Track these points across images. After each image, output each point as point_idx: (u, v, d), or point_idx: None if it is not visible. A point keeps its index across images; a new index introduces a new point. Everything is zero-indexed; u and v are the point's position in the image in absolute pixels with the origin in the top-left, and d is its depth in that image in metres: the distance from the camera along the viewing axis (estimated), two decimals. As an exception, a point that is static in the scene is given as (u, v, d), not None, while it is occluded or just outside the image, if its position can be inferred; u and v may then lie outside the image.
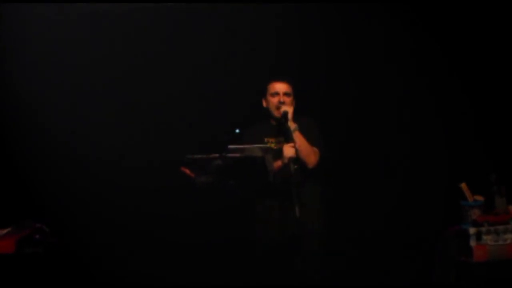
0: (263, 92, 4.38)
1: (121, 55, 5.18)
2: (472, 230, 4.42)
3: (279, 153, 4.11)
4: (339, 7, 5.12)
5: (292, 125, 4.13)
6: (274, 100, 4.29)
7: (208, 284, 4.97)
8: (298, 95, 4.34)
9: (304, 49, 5.18)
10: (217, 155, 3.90)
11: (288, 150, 4.05)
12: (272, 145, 4.22)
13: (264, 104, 4.38)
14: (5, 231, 4.14)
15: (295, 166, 3.95)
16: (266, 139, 4.30)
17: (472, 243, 4.40)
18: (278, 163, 4.11)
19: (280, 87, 4.31)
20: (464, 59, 5.11)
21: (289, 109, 4.18)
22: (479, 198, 4.62)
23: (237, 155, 3.93)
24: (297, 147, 4.05)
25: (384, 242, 5.07)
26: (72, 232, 4.95)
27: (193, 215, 5.09)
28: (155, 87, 5.22)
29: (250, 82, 4.90)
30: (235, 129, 4.48)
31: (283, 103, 4.24)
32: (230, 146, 3.94)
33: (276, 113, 4.26)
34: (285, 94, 4.29)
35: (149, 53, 5.22)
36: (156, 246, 5.12)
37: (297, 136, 4.13)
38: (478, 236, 4.41)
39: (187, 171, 3.98)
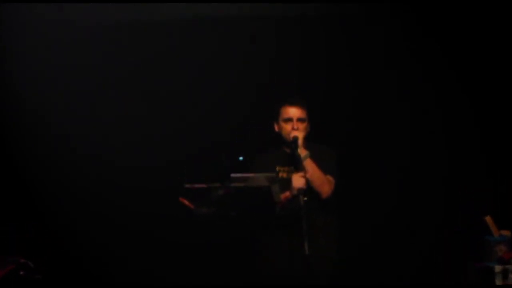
0: (274, 115, 4.15)
1: (122, 55, 5.16)
2: (498, 268, 4.29)
3: (288, 182, 3.90)
4: (341, 13, 5.11)
5: (302, 152, 3.90)
6: (287, 127, 4.03)
7: (208, 284, 4.94)
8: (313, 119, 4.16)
9: (305, 57, 5.14)
10: (218, 184, 3.72)
11: (297, 180, 3.84)
12: (284, 175, 4.01)
13: (276, 128, 4.13)
14: None
15: (305, 198, 3.74)
16: (278, 168, 4.07)
17: (498, 281, 4.28)
18: (286, 194, 3.89)
19: (293, 112, 4.04)
20: (477, 62, 5.04)
21: (299, 135, 3.94)
22: (506, 233, 4.53)
23: (241, 184, 3.73)
24: (308, 176, 3.85)
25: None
26: (71, 232, 4.98)
27: (193, 215, 4.90)
28: (156, 87, 5.22)
29: (260, 106, 4.83)
30: (239, 157, 4.24)
31: (297, 130, 3.98)
32: (233, 175, 3.73)
33: (289, 140, 4.00)
34: (299, 120, 4.03)
35: (150, 55, 5.19)
36: (156, 246, 5.09)
37: (308, 164, 3.90)
38: (505, 274, 4.31)
39: (186, 201, 3.79)
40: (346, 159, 4.74)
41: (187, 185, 3.75)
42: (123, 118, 5.21)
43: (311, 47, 5.12)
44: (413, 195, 5.03)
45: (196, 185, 3.75)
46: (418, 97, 5.10)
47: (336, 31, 5.13)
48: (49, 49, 5.08)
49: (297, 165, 3.88)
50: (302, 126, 4.02)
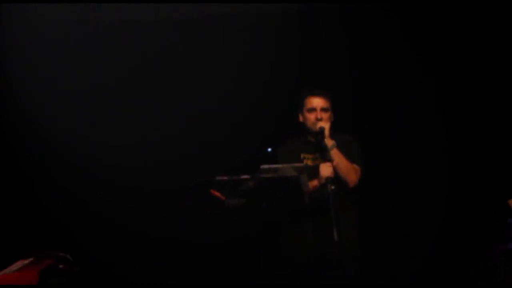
0: (299, 106, 4.22)
1: (123, 55, 5.18)
2: None
3: (315, 171, 3.97)
4: (344, 14, 5.17)
5: (329, 142, 3.99)
6: (311, 116, 4.11)
7: (208, 284, 4.98)
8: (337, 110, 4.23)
9: (306, 57, 5.18)
10: (248, 176, 3.79)
11: (325, 169, 3.91)
12: (309, 162, 4.11)
13: (301, 118, 4.20)
14: (27, 261, 3.99)
15: (332, 187, 3.82)
16: (302, 155, 4.15)
17: None
18: (314, 183, 3.97)
19: (317, 102, 4.12)
20: (485, 62, 5.06)
21: (325, 125, 4.02)
22: None
23: (270, 175, 3.81)
24: (335, 165, 3.94)
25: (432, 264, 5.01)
26: (72, 232, 4.98)
27: (193, 215, 5.07)
28: (156, 88, 5.26)
29: (281, 96, 4.92)
30: (267, 148, 4.31)
31: (320, 119, 4.06)
32: (263, 166, 3.81)
33: (313, 129, 4.09)
34: (323, 109, 4.11)
35: (153, 55, 5.24)
36: (156, 246, 5.11)
37: (335, 154, 3.99)
38: None
39: (218, 194, 3.86)
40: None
41: (218, 177, 3.80)
42: (125, 118, 5.23)
43: (314, 43, 5.17)
44: (434, 179, 5.06)
45: (227, 177, 3.79)
46: (417, 91, 5.12)
47: (340, 28, 5.17)
48: (49, 49, 5.07)
49: (324, 155, 3.95)
50: (325, 115, 4.09)
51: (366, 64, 5.15)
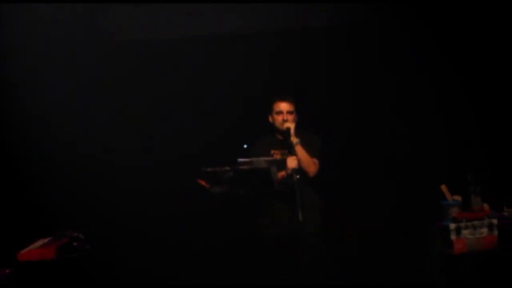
0: (269, 110, 4.69)
1: (123, 55, 5.26)
2: (452, 226, 4.70)
3: (283, 164, 4.45)
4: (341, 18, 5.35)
5: (294, 139, 4.50)
6: (279, 118, 4.62)
7: (208, 284, 5.10)
8: (300, 110, 4.61)
9: (304, 55, 5.42)
10: (228, 167, 4.27)
11: (291, 162, 4.43)
12: (278, 157, 4.57)
13: (270, 119, 4.69)
14: (47, 239, 4.46)
15: (297, 176, 4.36)
16: (272, 151, 4.65)
17: (453, 237, 4.69)
18: (282, 173, 4.46)
19: (284, 106, 4.63)
20: (439, 58, 5.27)
21: (291, 126, 4.57)
22: (458, 198, 4.90)
23: (246, 167, 4.31)
24: (299, 159, 4.46)
25: (379, 241, 5.34)
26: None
27: (193, 215, 5.27)
28: (156, 89, 5.34)
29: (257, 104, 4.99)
30: (243, 145, 4.83)
31: (286, 120, 4.59)
32: (240, 160, 4.34)
33: (281, 129, 4.60)
34: (288, 112, 4.61)
35: (153, 55, 5.32)
36: (156, 246, 5.20)
37: (299, 149, 4.51)
38: (458, 231, 4.69)
39: (203, 182, 4.37)
40: (339, 162, 5.26)
41: (204, 169, 4.25)
42: (125, 119, 5.30)
43: (307, 55, 5.42)
44: (404, 194, 5.33)
45: (211, 169, 4.23)
46: (400, 99, 5.32)
47: (339, 28, 5.34)
48: (49, 49, 5.06)
49: (290, 150, 4.46)
50: (291, 117, 4.60)
51: (365, 64, 5.31)
